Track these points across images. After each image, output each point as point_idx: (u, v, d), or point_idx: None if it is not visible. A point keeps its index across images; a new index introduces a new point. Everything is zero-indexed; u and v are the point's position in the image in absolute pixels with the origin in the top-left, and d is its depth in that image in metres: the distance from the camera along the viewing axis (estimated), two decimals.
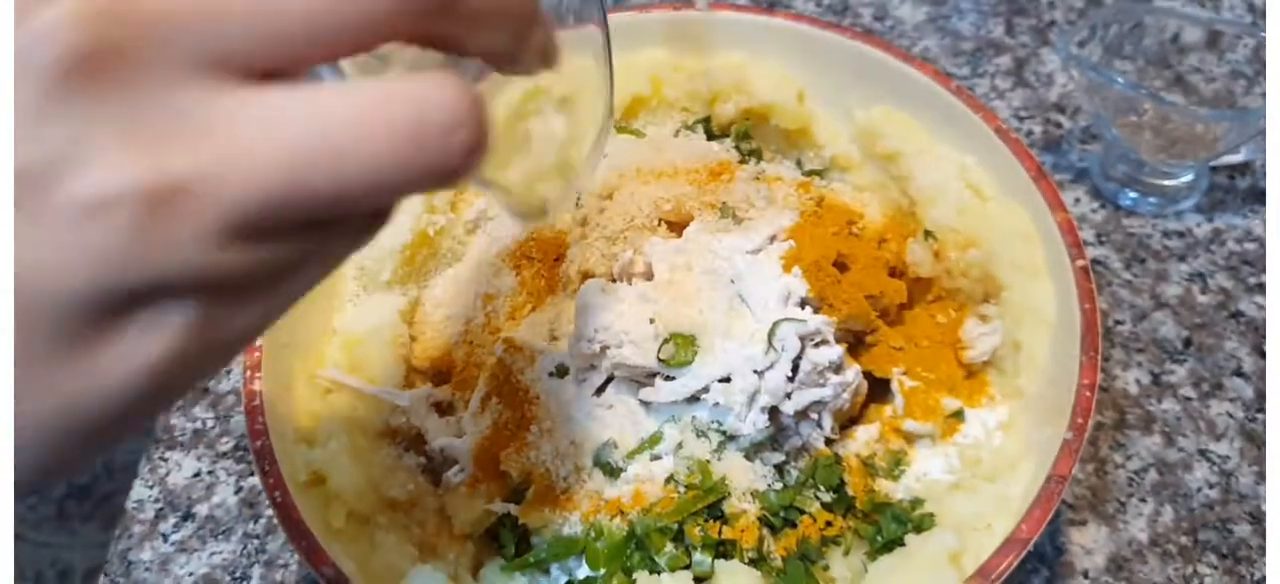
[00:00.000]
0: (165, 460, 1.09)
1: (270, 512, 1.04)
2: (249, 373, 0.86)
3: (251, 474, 1.07)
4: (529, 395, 0.90)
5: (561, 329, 0.94)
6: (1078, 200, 1.20)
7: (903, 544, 0.82)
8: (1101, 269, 1.15)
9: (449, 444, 0.90)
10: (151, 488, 1.07)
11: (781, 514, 0.83)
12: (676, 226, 0.92)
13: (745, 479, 0.84)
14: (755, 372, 0.83)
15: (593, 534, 0.83)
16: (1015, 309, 0.91)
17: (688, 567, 0.81)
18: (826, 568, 0.82)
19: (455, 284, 0.99)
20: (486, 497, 0.86)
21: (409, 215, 0.97)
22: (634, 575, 0.81)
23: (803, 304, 0.86)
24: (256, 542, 1.03)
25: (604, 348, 0.86)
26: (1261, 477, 1.01)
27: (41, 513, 2.72)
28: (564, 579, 0.85)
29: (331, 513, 0.83)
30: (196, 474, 1.08)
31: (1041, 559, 0.98)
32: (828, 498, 0.85)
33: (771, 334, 0.84)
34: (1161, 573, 0.96)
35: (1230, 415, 1.05)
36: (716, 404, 0.84)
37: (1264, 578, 0.95)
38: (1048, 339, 0.88)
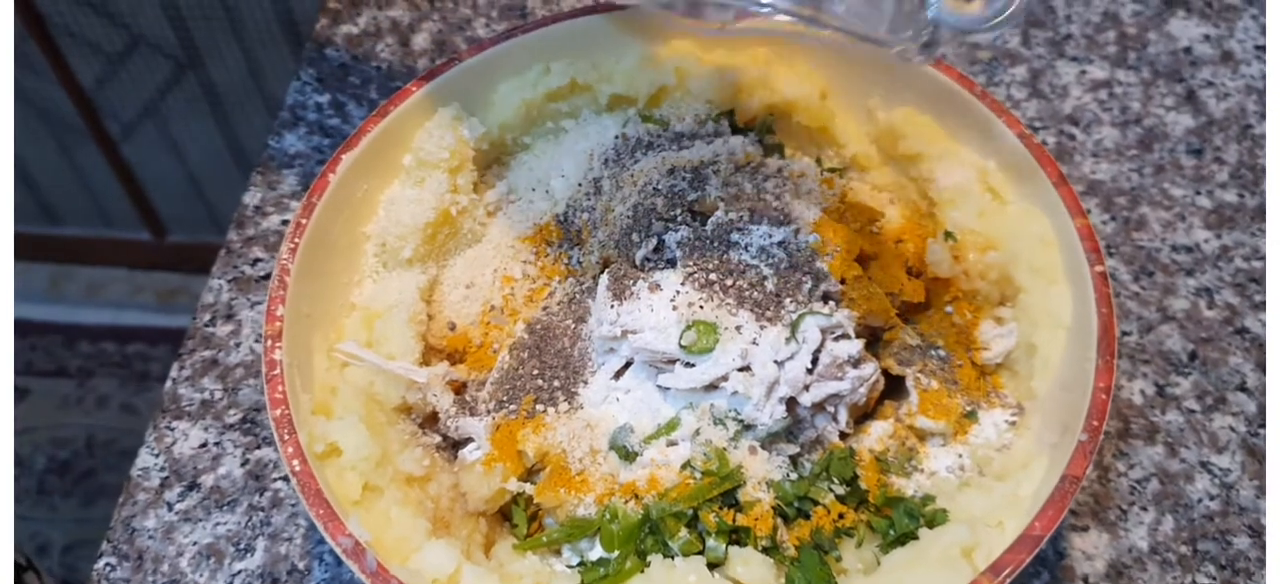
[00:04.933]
0: (172, 430, 1.09)
1: (277, 485, 1.04)
2: (270, 342, 0.86)
3: (258, 446, 1.07)
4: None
5: (581, 314, 0.95)
6: (1089, 212, 1.21)
7: (916, 538, 0.82)
8: (1110, 280, 1.16)
9: (466, 423, 0.90)
10: (157, 456, 1.07)
11: (795, 504, 0.84)
12: (701, 216, 0.93)
13: (761, 469, 0.85)
14: (775, 362, 0.84)
15: (608, 516, 0.83)
16: (1032, 312, 0.91)
17: (701, 552, 0.81)
18: (839, 559, 0.83)
19: (475, 265, 0.99)
20: (502, 475, 0.86)
21: (433, 194, 0.97)
22: (647, 558, 0.81)
23: (825, 298, 0.87)
24: (262, 514, 1.03)
25: (625, 332, 0.87)
26: (1261, 490, 1.02)
27: (22, 487, 2.70)
28: (576, 560, 0.85)
29: (347, 484, 0.83)
30: (203, 444, 1.07)
31: (1043, 562, 0.98)
32: (841, 490, 0.85)
33: (795, 326, 0.84)
34: (1161, 581, 0.97)
35: (1232, 429, 1.06)
36: (735, 393, 0.84)
37: None
38: (1063, 343, 0.89)
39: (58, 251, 3.04)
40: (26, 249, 2.98)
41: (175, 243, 2.96)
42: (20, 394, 2.87)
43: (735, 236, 0.89)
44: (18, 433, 2.78)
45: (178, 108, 2.52)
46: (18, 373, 2.89)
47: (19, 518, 2.64)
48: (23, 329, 2.96)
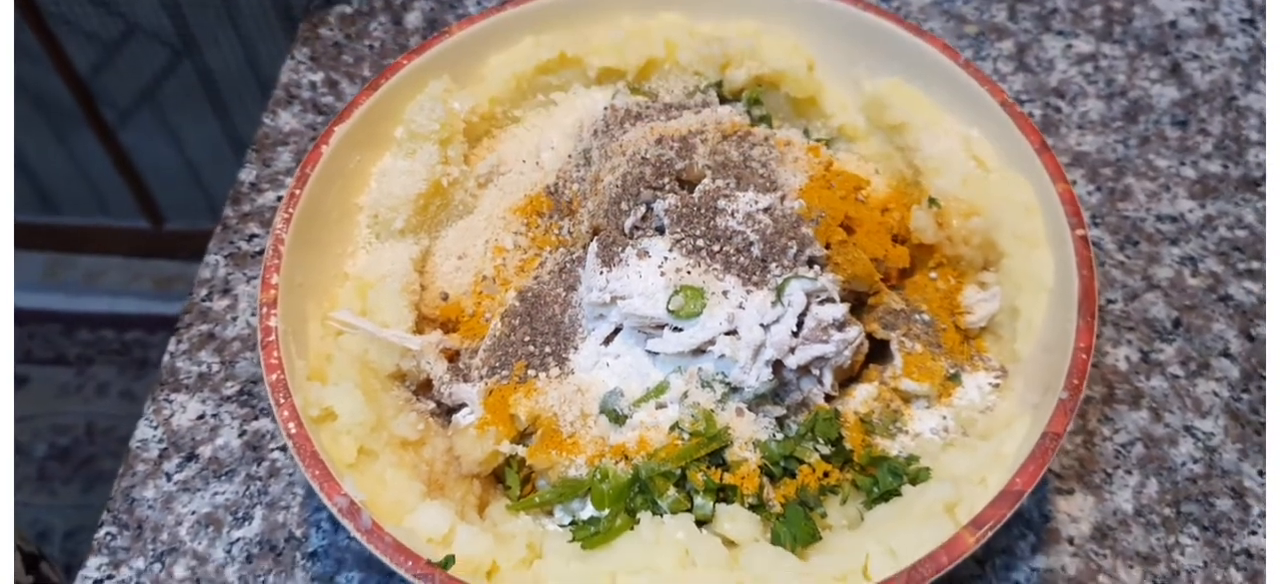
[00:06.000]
0: (170, 402, 1.10)
1: (274, 455, 1.06)
2: (265, 310, 0.87)
3: (255, 418, 1.08)
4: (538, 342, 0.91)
5: (571, 282, 0.96)
6: (1074, 182, 1.23)
7: (899, 495, 0.84)
8: (1095, 249, 1.17)
9: (459, 389, 0.91)
10: (155, 428, 1.08)
11: (781, 464, 0.86)
12: (688, 184, 0.94)
13: (747, 429, 0.86)
14: (762, 325, 0.85)
15: (598, 477, 0.85)
16: (1015, 276, 0.93)
17: (690, 510, 0.83)
18: (824, 516, 0.84)
19: (466, 236, 1.01)
20: (495, 438, 0.88)
21: (424, 165, 0.98)
22: (637, 516, 0.83)
23: (811, 262, 0.88)
24: (259, 483, 1.04)
25: (614, 298, 0.88)
26: (1244, 454, 1.04)
27: (22, 474, 2.71)
28: (568, 519, 0.87)
29: (342, 448, 0.84)
30: (201, 416, 1.09)
31: (1028, 525, 1.00)
32: (826, 450, 0.87)
33: (780, 290, 0.86)
34: (1145, 542, 0.99)
35: (1216, 394, 1.08)
36: (722, 356, 0.86)
37: (1243, 550, 0.98)
38: (1045, 306, 0.91)
39: (55, 240, 3.05)
40: (24, 237, 2.98)
41: (173, 230, 2.97)
42: (19, 382, 2.88)
43: (722, 203, 0.90)
44: (17, 420, 2.80)
45: (174, 95, 2.53)
46: (17, 361, 2.90)
47: (20, 505, 2.66)
48: (21, 317, 2.97)
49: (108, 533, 1.02)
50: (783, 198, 0.91)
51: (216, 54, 2.40)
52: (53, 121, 2.63)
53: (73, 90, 2.51)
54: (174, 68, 2.48)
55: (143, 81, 2.53)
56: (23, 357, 2.93)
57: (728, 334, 0.86)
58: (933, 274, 0.97)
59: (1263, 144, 1.25)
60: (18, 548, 1.43)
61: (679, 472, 0.84)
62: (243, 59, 2.40)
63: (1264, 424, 1.05)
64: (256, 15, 2.28)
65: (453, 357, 0.95)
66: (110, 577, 0.99)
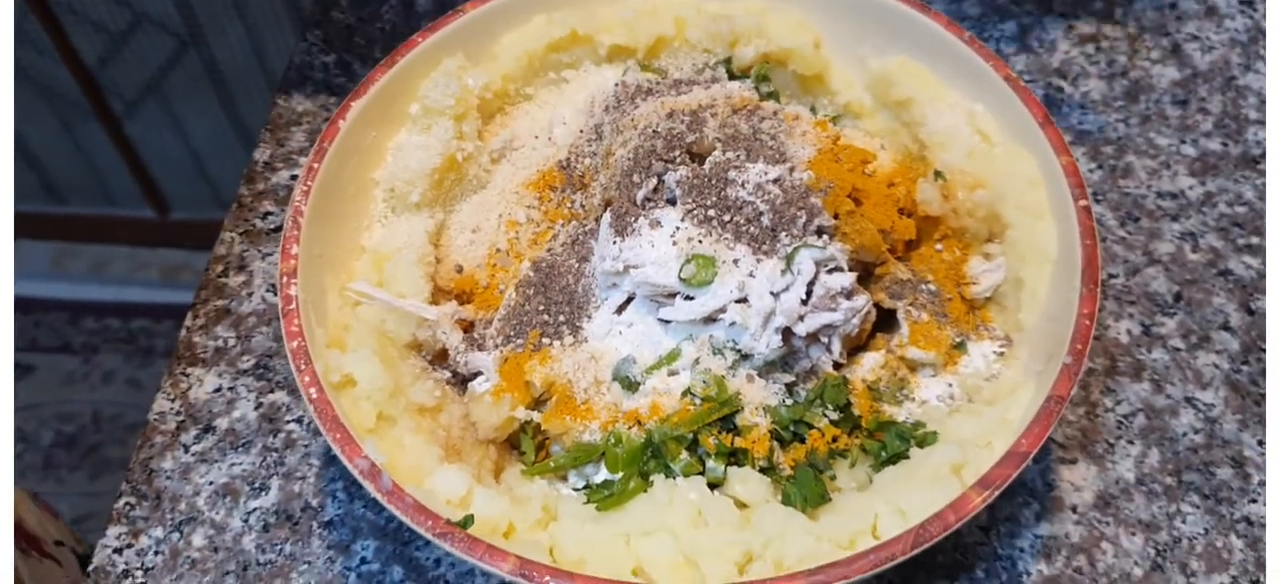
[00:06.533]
0: (187, 376, 1.12)
1: (290, 426, 1.08)
2: (286, 279, 0.89)
3: (271, 391, 1.10)
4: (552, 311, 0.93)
5: (584, 253, 0.98)
6: (1076, 160, 1.25)
7: (907, 458, 0.86)
8: (1097, 225, 1.19)
9: (475, 358, 0.93)
10: (173, 401, 1.10)
11: (791, 428, 0.88)
12: (699, 157, 0.96)
13: (758, 395, 0.88)
14: (772, 293, 0.87)
15: (612, 441, 0.86)
16: (1019, 247, 0.95)
17: (702, 473, 0.85)
18: (833, 477, 0.86)
19: (480, 210, 1.02)
20: (510, 405, 0.89)
21: (439, 140, 1.00)
22: (650, 479, 0.84)
23: (819, 232, 0.90)
24: (275, 455, 1.06)
25: (628, 267, 0.90)
26: (1244, 424, 1.05)
27: (28, 462, 2.73)
28: (582, 483, 0.89)
29: (362, 413, 0.86)
30: (217, 389, 1.11)
31: (1033, 494, 1.02)
32: (835, 416, 0.89)
33: (790, 258, 0.88)
34: (1146, 510, 1.01)
35: (1216, 366, 1.09)
36: (733, 324, 0.88)
37: (1243, 517, 1.00)
38: (1049, 276, 0.93)
39: (62, 230, 3.06)
40: (30, 227, 3.00)
41: (178, 220, 2.99)
42: (26, 371, 2.90)
43: (732, 174, 0.92)
44: (24, 409, 2.81)
45: (181, 85, 2.54)
46: (23, 349, 2.92)
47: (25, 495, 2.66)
48: (27, 306, 2.99)
49: (127, 503, 1.04)
50: (792, 169, 0.93)
51: (223, 45, 2.41)
52: (59, 112, 2.64)
53: (79, 81, 2.53)
54: (180, 58, 2.49)
55: (149, 72, 2.54)
56: (29, 345, 2.95)
57: (738, 302, 0.88)
58: (938, 245, 0.99)
59: (1262, 122, 1.27)
60: (71, 549, 1.44)
61: (691, 436, 0.86)
62: (249, 50, 2.41)
63: (1263, 395, 1.07)
64: (263, 6, 2.30)
65: (468, 327, 0.97)
66: (129, 544, 1.01)
